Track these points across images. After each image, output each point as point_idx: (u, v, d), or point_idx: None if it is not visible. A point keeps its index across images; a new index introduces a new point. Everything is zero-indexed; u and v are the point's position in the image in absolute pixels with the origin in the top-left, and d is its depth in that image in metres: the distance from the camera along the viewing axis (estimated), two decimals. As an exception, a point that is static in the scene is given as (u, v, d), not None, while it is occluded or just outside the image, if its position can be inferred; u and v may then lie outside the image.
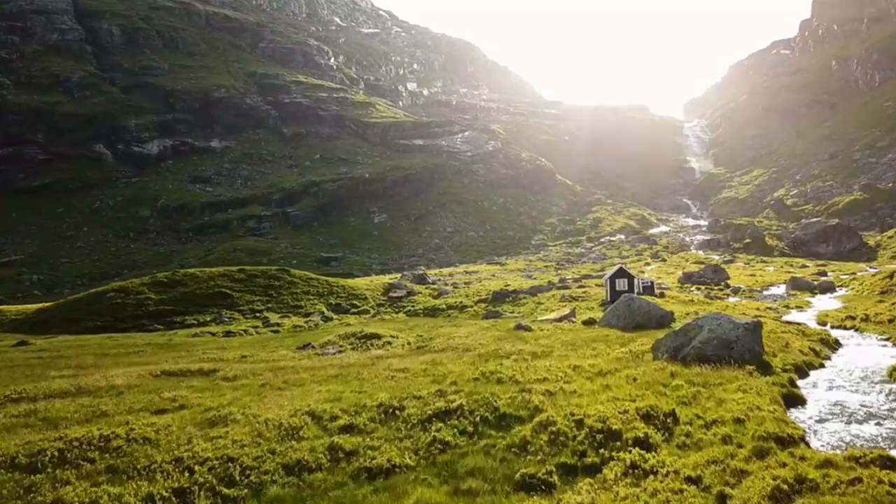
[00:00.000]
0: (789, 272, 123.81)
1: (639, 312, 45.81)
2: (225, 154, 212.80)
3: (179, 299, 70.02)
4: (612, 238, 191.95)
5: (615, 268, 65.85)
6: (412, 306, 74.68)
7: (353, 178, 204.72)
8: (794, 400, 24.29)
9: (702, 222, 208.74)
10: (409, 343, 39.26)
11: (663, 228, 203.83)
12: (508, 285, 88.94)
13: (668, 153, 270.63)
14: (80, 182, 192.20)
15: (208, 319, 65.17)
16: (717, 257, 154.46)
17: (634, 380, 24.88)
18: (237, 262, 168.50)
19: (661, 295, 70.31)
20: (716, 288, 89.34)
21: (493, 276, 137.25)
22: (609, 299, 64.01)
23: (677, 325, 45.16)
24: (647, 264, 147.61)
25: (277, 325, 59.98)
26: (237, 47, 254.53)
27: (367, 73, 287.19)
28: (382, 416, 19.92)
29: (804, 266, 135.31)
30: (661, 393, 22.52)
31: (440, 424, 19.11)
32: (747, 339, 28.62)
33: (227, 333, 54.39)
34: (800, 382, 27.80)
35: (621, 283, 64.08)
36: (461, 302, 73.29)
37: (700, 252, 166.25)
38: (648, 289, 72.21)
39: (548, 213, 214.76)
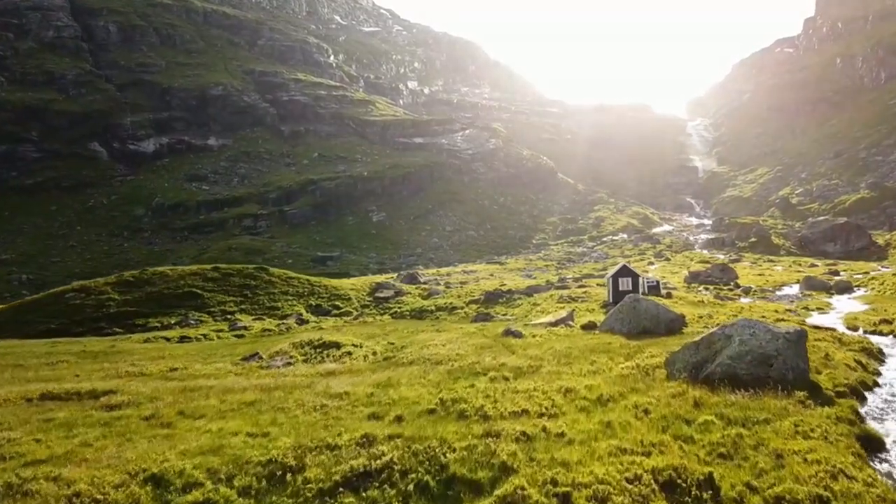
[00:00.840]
0: (799, 271, 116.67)
1: (645, 316, 38.83)
2: (222, 152, 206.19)
3: (145, 300, 63.38)
4: (615, 237, 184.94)
5: (618, 265, 58.77)
6: (399, 308, 67.89)
7: (352, 177, 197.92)
8: (870, 443, 17.26)
9: (705, 221, 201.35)
10: (374, 353, 32.46)
11: (666, 228, 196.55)
12: (504, 285, 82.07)
13: (671, 152, 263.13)
14: (75, 180, 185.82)
15: (173, 322, 58.47)
16: (722, 256, 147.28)
17: (646, 412, 18.06)
18: (231, 261, 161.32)
19: (668, 295, 63.29)
20: (725, 288, 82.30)
21: (492, 275, 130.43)
22: (611, 300, 57.04)
23: (689, 331, 38.26)
24: (651, 263, 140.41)
25: (245, 328, 53.25)
26: (235, 45, 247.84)
27: (368, 71, 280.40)
28: (265, 482, 13.17)
29: (813, 265, 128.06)
30: (686, 437, 15.71)
31: (349, 500, 12.13)
32: (790, 354, 21.60)
33: (183, 339, 47.80)
34: (862, 410, 20.72)
35: (625, 283, 57.04)
36: (451, 303, 66.46)
37: (704, 251, 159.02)
38: (654, 288, 65.32)
39: (549, 211, 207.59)
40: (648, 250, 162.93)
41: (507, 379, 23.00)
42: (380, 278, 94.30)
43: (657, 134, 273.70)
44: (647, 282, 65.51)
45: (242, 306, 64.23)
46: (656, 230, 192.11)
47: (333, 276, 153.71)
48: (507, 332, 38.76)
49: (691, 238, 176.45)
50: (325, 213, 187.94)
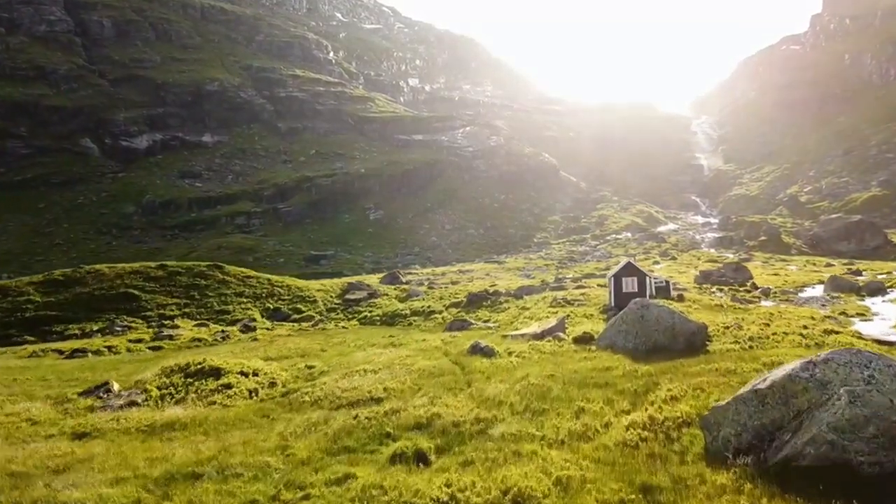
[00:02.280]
0: (816, 271, 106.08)
1: (657, 327, 28.70)
2: (217, 149, 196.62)
3: (71, 303, 53.71)
4: (619, 236, 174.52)
5: (621, 263, 48.49)
6: (369, 312, 58.03)
7: (349, 174, 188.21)
8: None
9: (712, 220, 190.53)
10: (272, 385, 22.62)
11: (672, 226, 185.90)
12: (494, 285, 72.06)
13: (676, 150, 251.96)
14: (64, 177, 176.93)
15: (95, 329, 48.65)
16: (731, 256, 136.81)
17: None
18: (221, 260, 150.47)
19: (680, 297, 53.00)
20: (741, 289, 71.93)
21: (488, 274, 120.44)
22: (613, 304, 46.82)
23: (717, 348, 27.96)
24: (656, 263, 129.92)
25: (170, 338, 43.33)
26: (233, 40, 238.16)
27: (368, 68, 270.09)
28: None
29: (829, 265, 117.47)
30: None
31: None
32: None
33: (76, 353, 37.99)
34: None
35: (629, 283, 46.81)
36: (429, 307, 56.49)
37: (712, 250, 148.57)
38: (663, 289, 55.05)
39: (551, 210, 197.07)
40: (653, 249, 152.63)
41: (421, 459, 12.91)
42: (358, 278, 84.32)
43: (662, 132, 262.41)
44: (655, 282, 55.24)
45: (187, 310, 54.44)
46: (661, 229, 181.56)
47: (326, 276, 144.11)
48: (476, 349, 28.60)
49: (698, 237, 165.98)
50: (321, 211, 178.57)
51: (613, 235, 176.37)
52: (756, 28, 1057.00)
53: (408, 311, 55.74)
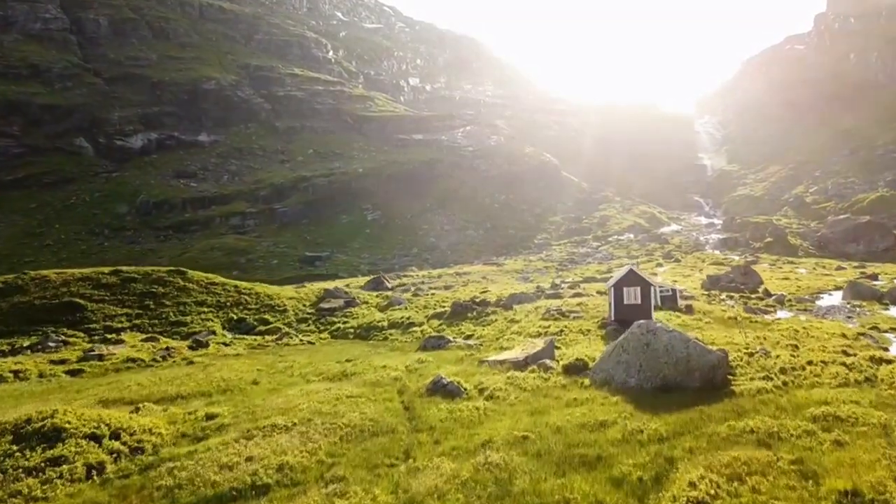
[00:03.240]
0: (827, 275, 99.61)
1: (667, 359, 22.46)
2: (213, 148, 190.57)
3: (6, 314, 47.58)
4: (621, 237, 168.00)
5: (623, 269, 42.00)
6: (344, 323, 51.87)
7: (346, 174, 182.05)
8: None
9: (716, 221, 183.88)
10: (140, 449, 16.10)
11: (675, 227, 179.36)
12: (486, 291, 65.91)
13: (679, 150, 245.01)
14: (57, 176, 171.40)
15: (26, 345, 42.35)
16: (737, 257, 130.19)
17: None
18: (213, 261, 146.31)
19: (689, 309, 46.62)
20: (752, 297, 65.58)
21: (484, 277, 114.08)
22: (613, 317, 40.46)
23: (742, 387, 21.81)
24: (660, 265, 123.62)
25: (100, 357, 36.92)
26: (231, 39, 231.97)
27: (368, 67, 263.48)
28: None
29: (840, 268, 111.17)
30: None
31: None
32: None
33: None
34: None
35: (631, 294, 40.40)
36: (409, 318, 50.28)
37: (717, 252, 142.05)
38: (669, 299, 48.78)
39: (552, 210, 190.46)
40: (657, 251, 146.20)
41: None
42: (346, 282, 78.12)
43: (665, 132, 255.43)
44: (661, 290, 48.90)
45: (138, 321, 48.30)
46: (664, 230, 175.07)
47: (320, 278, 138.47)
48: (437, 387, 22.31)
49: (702, 238, 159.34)
50: (317, 211, 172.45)
51: (615, 236, 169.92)
52: (759, 28, 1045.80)
53: (385, 323, 49.49)
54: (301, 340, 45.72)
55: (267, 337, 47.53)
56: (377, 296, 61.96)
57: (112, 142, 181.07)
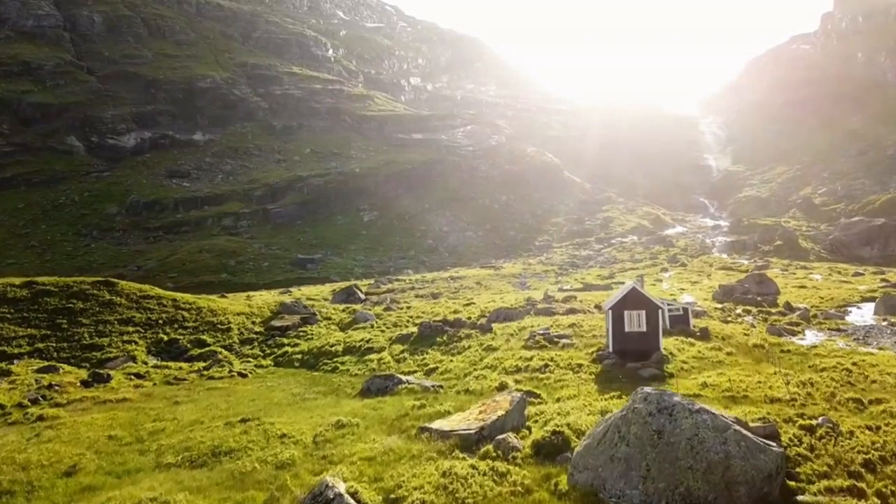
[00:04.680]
0: (845, 281, 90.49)
1: (692, 461, 13.60)
2: (208, 147, 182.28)
3: None
4: (624, 239, 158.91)
5: (624, 288, 33.05)
6: (292, 346, 43.48)
7: (343, 174, 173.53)
8: None
9: (721, 222, 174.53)
10: None
11: (679, 229, 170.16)
12: (471, 302, 57.56)
13: (683, 150, 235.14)
14: (46, 176, 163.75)
15: None
16: (745, 261, 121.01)
17: None
18: (201, 263, 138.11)
19: (704, 334, 37.75)
20: (773, 311, 56.58)
21: (479, 283, 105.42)
22: (611, 348, 31.57)
23: None
24: (665, 270, 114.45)
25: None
26: (228, 37, 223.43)
27: (369, 66, 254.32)
28: None
29: (857, 274, 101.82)
30: None
31: None
32: None
33: None
34: None
35: (634, 319, 31.50)
36: (369, 340, 41.84)
37: (724, 255, 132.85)
38: (680, 319, 39.93)
39: (554, 211, 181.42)
40: (661, 254, 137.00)
41: None
42: (326, 288, 69.28)
43: (668, 132, 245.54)
44: (670, 308, 39.99)
45: (43, 344, 39.64)
46: (669, 232, 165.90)
47: (311, 281, 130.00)
48: None
49: (708, 241, 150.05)
50: (312, 212, 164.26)
51: (619, 239, 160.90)
52: (763, 28, 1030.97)
53: (340, 348, 40.85)
54: (230, 372, 37.09)
55: (196, 364, 39.11)
56: (344, 310, 53.24)
57: (104, 141, 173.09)
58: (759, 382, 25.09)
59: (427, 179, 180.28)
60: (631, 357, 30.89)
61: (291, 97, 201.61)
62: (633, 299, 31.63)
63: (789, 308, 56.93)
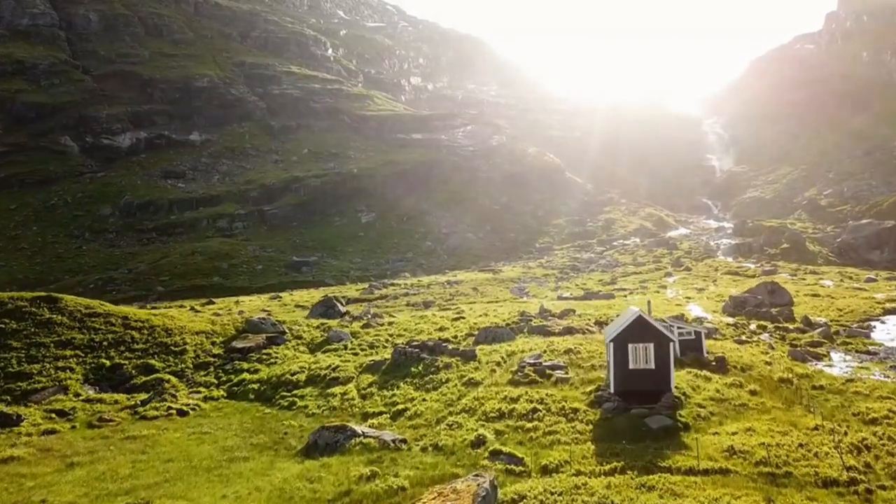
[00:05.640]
0: (859, 288, 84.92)
1: None
2: (204, 148, 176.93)
3: None
4: (626, 241, 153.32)
5: (627, 316, 27.21)
6: (252, 373, 38.24)
7: (341, 174, 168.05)
8: None
9: (725, 224, 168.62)
10: None
11: (683, 231, 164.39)
12: (461, 316, 52.22)
13: (686, 151, 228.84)
14: (39, 176, 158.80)
15: None
16: (752, 266, 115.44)
17: None
18: (193, 266, 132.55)
19: (720, 364, 32.04)
20: (791, 328, 51.05)
21: (475, 289, 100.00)
22: (613, 388, 26.11)
23: None
24: (669, 275, 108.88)
25: None
26: (226, 36, 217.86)
27: (369, 66, 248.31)
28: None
29: (870, 279, 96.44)
30: None
31: None
32: None
33: None
34: None
35: (640, 354, 25.98)
36: (336, 368, 36.60)
37: (729, 259, 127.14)
38: (692, 345, 34.38)
39: (555, 213, 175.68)
40: (664, 257, 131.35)
41: None
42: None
43: (671, 132, 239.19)
44: (680, 331, 34.21)
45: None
46: (672, 233, 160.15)
47: (305, 285, 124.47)
48: None
49: (712, 243, 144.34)
50: (309, 213, 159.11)
51: (621, 241, 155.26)
52: (766, 27, 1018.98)
53: (302, 377, 35.39)
54: (167, 409, 31.55)
55: (137, 395, 33.78)
56: (318, 326, 47.67)
57: (99, 141, 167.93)
58: (801, 446, 19.49)
59: (427, 180, 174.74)
60: (636, 399, 25.34)
61: (290, 97, 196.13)
62: (639, 329, 25.99)
63: (808, 323, 51.20)
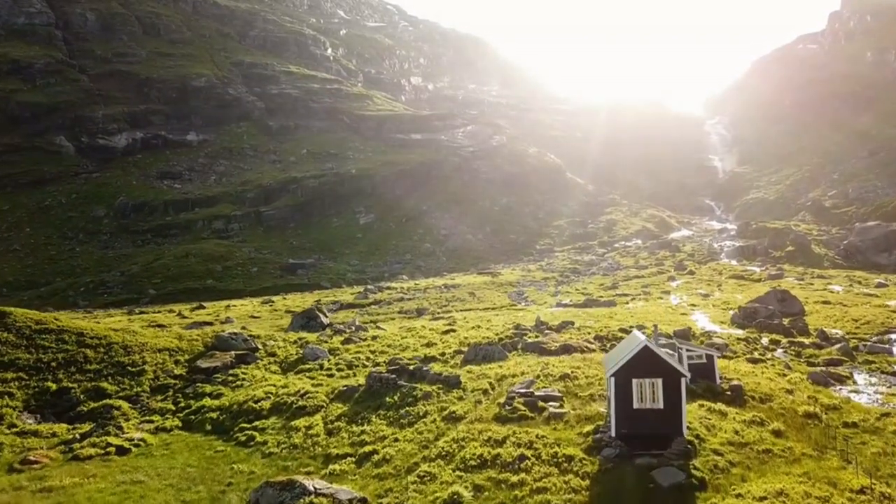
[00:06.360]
0: (870, 295, 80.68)
1: None
2: (201, 148, 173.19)
3: None
4: (628, 243, 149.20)
5: (631, 346, 22.94)
6: (214, 397, 34.36)
7: (339, 175, 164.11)
8: None
9: (729, 225, 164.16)
10: None
11: (685, 232, 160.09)
12: (452, 328, 48.14)
13: (689, 151, 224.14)
14: (34, 177, 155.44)
15: None
16: (757, 269, 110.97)
17: None
18: (186, 269, 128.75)
19: (736, 395, 28.06)
20: (807, 344, 47.06)
21: (472, 293, 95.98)
22: (614, 431, 21.99)
23: None
24: (672, 279, 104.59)
25: None
26: (225, 35, 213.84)
27: (369, 66, 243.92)
28: None
29: (881, 284, 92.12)
30: None
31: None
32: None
33: None
34: None
35: (647, 390, 21.86)
36: (306, 395, 32.68)
37: (734, 262, 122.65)
38: (704, 370, 30.24)
39: (556, 214, 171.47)
40: (667, 259, 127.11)
41: None
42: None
43: (673, 132, 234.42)
44: (690, 356, 30.11)
45: None
46: (674, 235, 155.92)
47: (300, 288, 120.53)
48: None
49: (716, 245, 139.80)
50: (306, 214, 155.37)
51: (622, 242, 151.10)
52: (769, 27, 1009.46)
53: (267, 405, 31.33)
54: (105, 447, 27.50)
55: (81, 426, 29.89)
56: (295, 341, 43.58)
57: (94, 141, 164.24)
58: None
59: (426, 181, 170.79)
60: (641, 444, 21.32)
61: (288, 97, 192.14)
62: (646, 362, 21.90)
63: (824, 337, 47.02)
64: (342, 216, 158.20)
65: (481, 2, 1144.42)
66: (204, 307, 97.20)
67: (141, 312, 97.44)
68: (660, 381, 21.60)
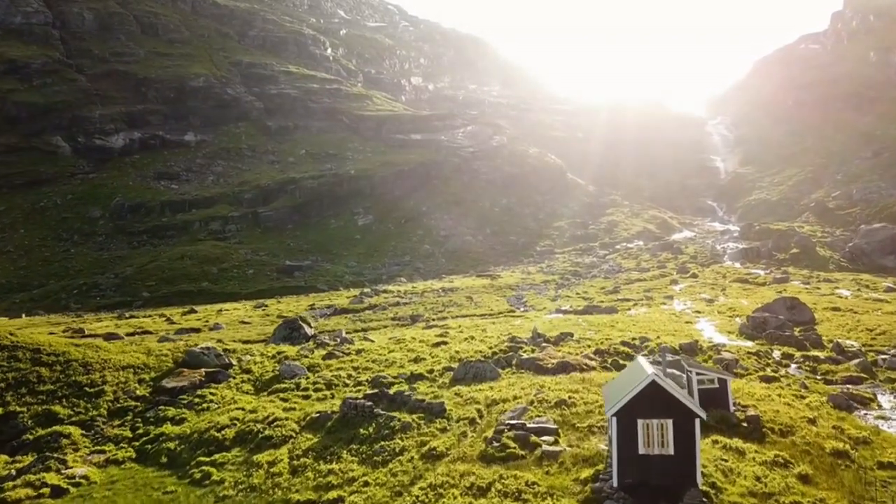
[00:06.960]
0: (878, 299, 77.85)
1: None
2: (199, 148, 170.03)
3: None
4: (629, 245, 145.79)
5: (636, 380, 19.28)
6: (175, 423, 30.92)
7: (337, 175, 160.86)
8: None
9: (731, 227, 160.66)
10: None
11: (687, 234, 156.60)
12: (445, 337, 45.25)
13: (690, 152, 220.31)
14: (29, 177, 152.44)
15: None
16: (762, 272, 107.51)
17: None
18: (181, 271, 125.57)
19: (753, 427, 24.45)
20: (822, 358, 43.83)
21: (469, 297, 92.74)
22: (616, 480, 18.69)
23: None
24: (675, 282, 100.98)
25: None
26: (224, 35, 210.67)
27: (369, 66, 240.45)
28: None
29: (890, 289, 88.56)
30: None
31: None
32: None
33: None
34: None
35: (654, 433, 18.48)
36: (274, 422, 29.32)
37: (737, 264, 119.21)
38: (715, 396, 26.83)
39: (557, 215, 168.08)
40: (669, 262, 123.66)
41: None
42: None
43: (675, 133, 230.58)
44: (700, 380, 26.84)
45: None
46: (676, 236, 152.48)
47: (297, 290, 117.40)
48: None
49: (718, 247, 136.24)
50: (305, 215, 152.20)
51: (624, 244, 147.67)
52: (771, 27, 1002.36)
53: (231, 434, 27.97)
54: (43, 486, 24.21)
55: (23, 459, 26.59)
56: (273, 356, 40.24)
57: (91, 141, 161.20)
58: None
59: (426, 181, 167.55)
60: (649, 496, 18.05)
61: (287, 97, 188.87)
62: (653, 400, 18.54)
63: (840, 350, 43.62)
64: (340, 217, 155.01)
65: (482, 2, 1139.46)
66: (195, 311, 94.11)
67: (131, 316, 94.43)
68: (670, 423, 18.26)
